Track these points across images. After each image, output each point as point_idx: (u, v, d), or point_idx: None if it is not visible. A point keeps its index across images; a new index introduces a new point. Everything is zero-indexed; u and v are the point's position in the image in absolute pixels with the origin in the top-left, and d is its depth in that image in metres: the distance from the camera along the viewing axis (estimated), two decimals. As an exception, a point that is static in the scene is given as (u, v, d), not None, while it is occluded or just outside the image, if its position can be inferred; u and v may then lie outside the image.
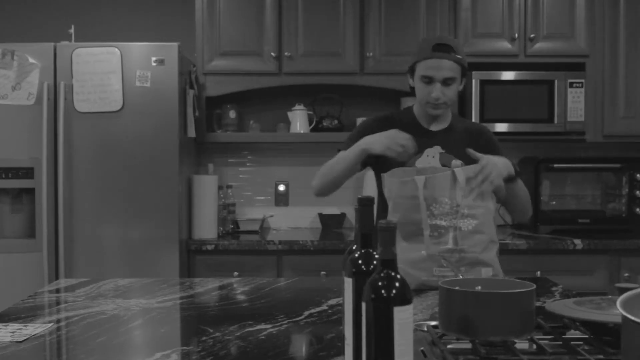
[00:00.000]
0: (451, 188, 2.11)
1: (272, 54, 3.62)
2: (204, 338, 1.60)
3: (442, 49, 2.22)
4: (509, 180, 2.16)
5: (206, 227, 3.52)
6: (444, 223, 2.10)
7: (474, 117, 3.57)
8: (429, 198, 2.10)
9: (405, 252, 2.07)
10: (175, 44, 3.30)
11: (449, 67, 2.22)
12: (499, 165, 2.12)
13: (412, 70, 2.31)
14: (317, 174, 2.36)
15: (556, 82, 3.60)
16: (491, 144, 2.35)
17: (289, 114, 3.82)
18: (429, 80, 2.24)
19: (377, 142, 2.19)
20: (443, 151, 2.28)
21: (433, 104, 2.26)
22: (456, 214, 2.09)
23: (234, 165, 4.03)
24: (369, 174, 2.76)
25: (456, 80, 2.25)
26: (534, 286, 1.43)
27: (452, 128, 2.35)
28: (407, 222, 2.11)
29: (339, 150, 2.36)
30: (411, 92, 2.38)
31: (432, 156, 2.27)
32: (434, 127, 2.33)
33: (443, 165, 2.25)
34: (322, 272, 3.28)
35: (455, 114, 2.45)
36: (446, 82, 2.23)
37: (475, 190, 2.10)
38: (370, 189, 3.23)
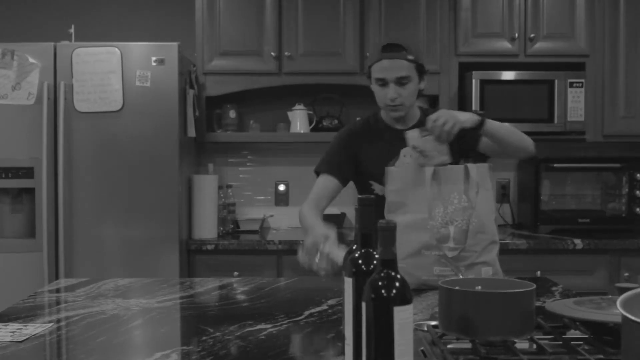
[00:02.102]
0: (463, 183, 2.10)
1: (272, 53, 3.62)
2: (204, 338, 1.60)
3: (391, 49, 2.21)
4: (479, 126, 2.13)
5: (206, 227, 3.52)
6: (447, 218, 2.09)
7: (474, 117, 3.56)
8: (436, 190, 2.09)
9: (407, 245, 2.06)
10: (175, 44, 3.30)
11: (400, 66, 2.21)
12: (454, 113, 2.12)
13: (369, 75, 2.31)
14: (302, 212, 2.33)
15: (556, 82, 3.60)
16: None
17: (289, 113, 3.82)
18: (383, 82, 2.24)
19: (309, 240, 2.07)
20: (426, 132, 2.28)
21: (392, 106, 2.27)
22: (461, 210, 2.09)
23: (234, 165, 4.03)
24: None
25: (411, 79, 2.24)
26: (534, 286, 1.43)
27: (421, 124, 2.34)
28: (412, 212, 2.10)
29: (316, 173, 2.38)
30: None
31: (409, 155, 2.27)
32: (404, 127, 2.33)
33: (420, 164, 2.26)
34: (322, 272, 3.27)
35: (423, 108, 2.43)
36: (400, 81, 2.23)
37: (442, 136, 2.07)
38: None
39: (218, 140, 3.80)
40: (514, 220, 3.98)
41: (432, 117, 2.09)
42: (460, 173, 2.11)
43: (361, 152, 2.34)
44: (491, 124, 2.18)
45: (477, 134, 2.20)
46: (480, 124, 2.14)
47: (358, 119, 2.59)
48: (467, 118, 2.12)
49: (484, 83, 3.59)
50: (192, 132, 3.49)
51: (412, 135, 2.16)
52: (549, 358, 1.32)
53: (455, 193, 2.10)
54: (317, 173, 2.40)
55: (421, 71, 2.27)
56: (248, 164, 4.04)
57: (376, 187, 2.30)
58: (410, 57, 2.22)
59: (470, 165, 2.12)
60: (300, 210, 2.34)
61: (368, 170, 2.33)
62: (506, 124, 2.30)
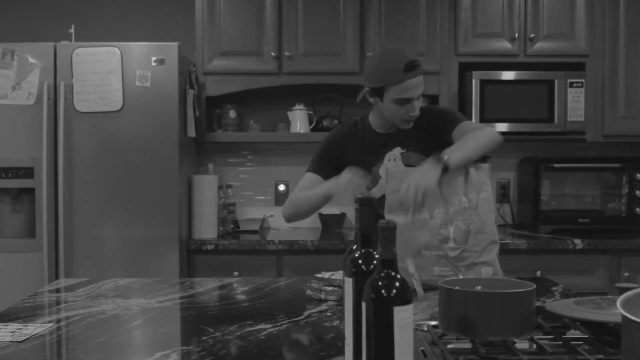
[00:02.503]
0: (463, 185, 2.11)
1: (272, 53, 3.62)
2: (204, 338, 1.60)
3: (411, 66, 2.19)
4: (444, 171, 2.07)
5: (206, 227, 3.52)
6: (447, 219, 2.09)
7: (474, 117, 3.57)
8: (436, 191, 2.10)
9: (407, 244, 2.06)
10: (175, 44, 3.30)
11: (421, 82, 2.23)
12: (414, 178, 2.05)
13: (378, 92, 2.24)
14: (287, 202, 2.42)
15: (556, 82, 3.60)
16: (441, 114, 2.36)
17: (289, 113, 3.82)
18: (405, 101, 2.22)
19: (339, 185, 2.20)
20: (403, 151, 2.30)
21: (410, 120, 2.27)
22: (462, 211, 2.09)
23: (234, 165, 4.03)
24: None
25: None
26: (534, 286, 1.43)
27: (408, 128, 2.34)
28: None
29: (306, 172, 2.42)
30: (362, 104, 2.37)
31: (393, 159, 2.27)
32: (391, 130, 2.34)
33: (407, 165, 2.26)
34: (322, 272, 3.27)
35: None
36: (419, 97, 2.24)
37: (416, 206, 2.03)
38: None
39: (218, 140, 3.80)
40: (514, 220, 3.98)
41: (399, 196, 2.04)
42: (460, 174, 2.12)
43: (345, 157, 2.35)
44: (455, 160, 2.09)
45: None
46: (445, 169, 2.08)
47: (346, 122, 2.60)
48: (428, 176, 2.04)
49: (484, 83, 3.59)
50: (192, 132, 3.49)
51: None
52: (549, 358, 1.32)
53: (456, 194, 2.10)
54: (305, 173, 2.45)
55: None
56: (248, 164, 4.04)
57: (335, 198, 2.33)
58: (423, 68, 2.23)
59: (470, 168, 2.12)
60: (288, 203, 2.39)
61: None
62: (468, 137, 2.19)
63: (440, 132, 2.28)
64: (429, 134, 2.29)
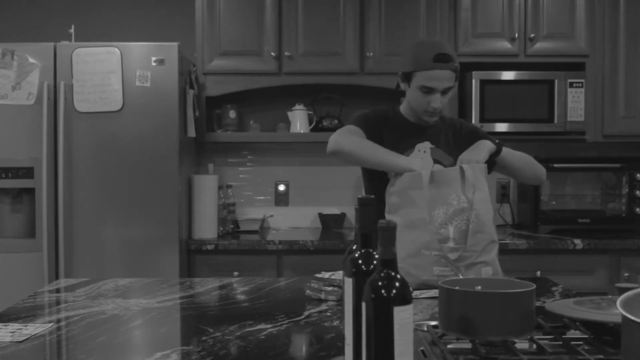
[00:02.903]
0: (460, 184, 2.11)
1: (272, 54, 3.62)
2: (204, 338, 1.60)
3: (442, 58, 2.21)
4: (495, 154, 2.25)
5: (206, 227, 3.52)
6: (446, 218, 2.10)
7: (474, 117, 3.57)
8: (434, 192, 2.10)
9: (407, 244, 2.06)
10: (175, 44, 3.30)
11: (449, 77, 2.24)
12: (472, 154, 2.20)
13: (407, 77, 2.29)
14: (350, 139, 2.26)
15: (556, 82, 3.60)
16: (473, 131, 2.42)
17: (289, 114, 3.82)
18: (428, 90, 2.24)
19: (409, 165, 2.18)
20: (433, 146, 2.30)
21: (431, 113, 2.28)
22: (460, 211, 2.09)
23: (234, 165, 4.03)
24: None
25: (453, 87, 2.27)
26: (534, 286, 1.43)
27: (437, 124, 2.37)
28: (411, 213, 2.10)
29: (353, 125, 2.32)
30: (399, 92, 2.39)
31: (423, 151, 2.28)
32: (423, 124, 2.35)
33: (434, 160, 2.28)
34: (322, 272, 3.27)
35: None
36: (445, 91, 2.25)
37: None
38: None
39: (218, 140, 3.80)
40: (514, 220, 3.98)
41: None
42: (457, 174, 2.12)
43: (384, 134, 2.33)
44: (507, 153, 2.28)
45: (492, 160, 2.27)
46: (497, 152, 2.25)
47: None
48: (484, 152, 2.21)
49: (484, 83, 3.59)
50: (192, 132, 3.49)
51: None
52: (549, 358, 1.32)
53: (454, 195, 2.10)
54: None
55: (457, 78, 2.29)
56: (248, 164, 4.04)
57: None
58: (456, 66, 2.24)
59: (465, 167, 2.13)
60: (352, 139, 2.26)
61: None
62: (524, 155, 2.38)
63: (468, 141, 2.32)
64: (463, 147, 2.30)
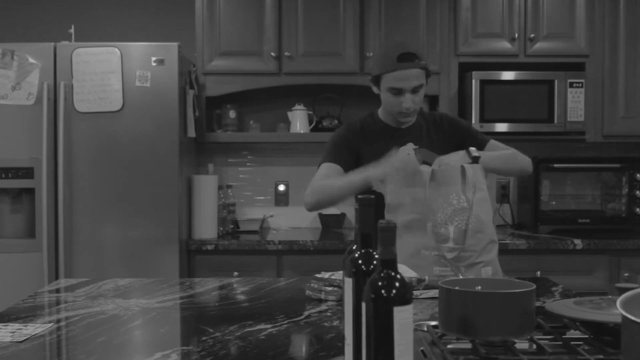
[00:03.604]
0: (460, 183, 2.11)
1: (272, 54, 3.62)
2: (204, 338, 1.60)
3: (406, 57, 2.21)
4: (475, 160, 2.21)
5: (206, 227, 3.52)
6: (447, 218, 2.09)
7: (474, 117, 3.57)
8: (435, 191, 2.10)
9: (407, 244, 2.06)
10: (175, 44, 3.30)
11: (416, 75, 2.23)
12: (445, 160, 2.17)
13: (376, 80, 2.30)
14: (312, 190, 2.32)
15: (556, 82, 3.60)
16: (454, 124, 2.43)
17: (289, 114, 3.82)
18: (398, 91, 2.24)
19: (379, 171, 2.18)
20: (416, 147, 2.30)
21: (405, 114, 2.28)
22: (460, 211, 2.09)
23: (234, 165, 4.03)
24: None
25: (423, 85, 2.27)
26: (534, 286, 1.43)
27: (418, 122, 2.38)
28: (411, 212, 2.10)
29: (322, 164, 2.36)
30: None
31: (407, 153, 2.28)
32: (403, 125, 2.36)
33: (421, 161, 2.27)
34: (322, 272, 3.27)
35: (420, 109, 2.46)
36: (415, 90, 2.25)
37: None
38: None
39: (218, 140, 3.80)
40: (514, 221, 3.98)
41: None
42: (457, 173, 2.12)
43: (362, 151, 2.34)
44: (485, 162, 2.22)
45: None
46: (474, 160, 2.19)
47: (353, 119, 2.57)
48: (456, 160, 2.17)
49: (484, 83, 3.59)
50: (192, 132, 3.49)
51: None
52: (549, 358, 1.32)
53: (454, 194, 2.10)
54: (319, 166, 2.39)
55: (428, 75, 2.28)
56: (248, 164, 4.04)
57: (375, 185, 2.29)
58: (422, 63, 2.23)
59: (466, 166, 2.13)
60: (313, 191, 2.29)
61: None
62: (503, 153, 2.35)
63: (460, 148, 2.28)
64: (447, 141, 2.31)
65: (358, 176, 2.22)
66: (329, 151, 2.38)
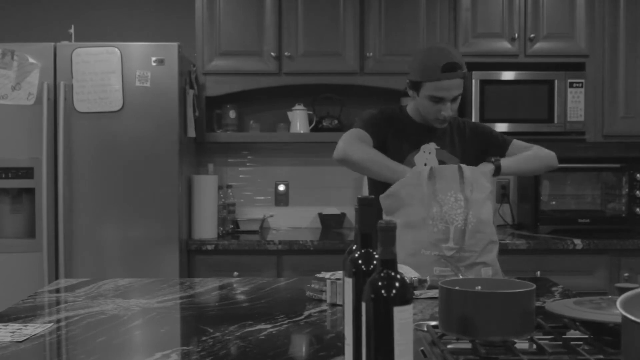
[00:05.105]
0: (458, 182, 2.11)
1: (272, 54, 3.62)
2: (204, 338, 1.60)
3: (450, 67, 2.20)
4: (496, 172, 2.26)
5: (206, 227, 3.52)
6: (446, 217, 2.10)
7: (474, 117, 3.57)
8: (432, 189, 2.10)
9: (407, 244, 2.07)
10: (175, 44, 3.30)
11: (457, 85, 2.24)
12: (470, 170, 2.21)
13: (415, 86, 2.27)
14: (348, 143, 2.26)
15: (556, 82, 3.60)
16: (474, 130, 2.43)
17: (289, 114, 3.82)
18: (438, 100, 2.24)
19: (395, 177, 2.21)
20: (438, 147, 2.30)
21: (442, 120, 2.28)
22: (458, 209, 2.09)
23: (234, 165, 4.03)
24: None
25: (461, 92, 2.27)
26: (534, 286, 1.43)
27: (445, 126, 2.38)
28: (410, 213, 2.11)
29: (357, 128, 2.33)
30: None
31: (428, 152, 2.29)
32: (428, 124, 2.36)
33: (439, 161, 2.28)
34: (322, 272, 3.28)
35: None
36: (455, 98, 2.25)
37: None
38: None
39: (218, 140, 3.80)
40: (514, 221, 3.98)
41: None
42: (455, 172, 2.13)
43: (388, 137, 2.33)
44: (507, 167, 2.27)
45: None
46: (497, 171, 2.25)
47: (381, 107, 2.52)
48: (483, 175, 2.22)
49: (484, 83, 3.59)
50: (192, 132, 3.49)
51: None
52: (549, 358, 1.32)
53: (452, 192, 2.11)
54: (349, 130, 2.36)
55: (465, 82, 2.30)
56: (248, 164, 4.04)
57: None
58: (464, 72, 2.24)
59: (464, 166, 2.13)
60: (361, 149, 2.26)
61: (389, 155, 2.29)
62: (525, 155, 2.38)
63: (484, 153, 2.34)
64: (470, 147, 2.33)
65: (390, 170, 2.20)
66: (365, 121, 2.34)
